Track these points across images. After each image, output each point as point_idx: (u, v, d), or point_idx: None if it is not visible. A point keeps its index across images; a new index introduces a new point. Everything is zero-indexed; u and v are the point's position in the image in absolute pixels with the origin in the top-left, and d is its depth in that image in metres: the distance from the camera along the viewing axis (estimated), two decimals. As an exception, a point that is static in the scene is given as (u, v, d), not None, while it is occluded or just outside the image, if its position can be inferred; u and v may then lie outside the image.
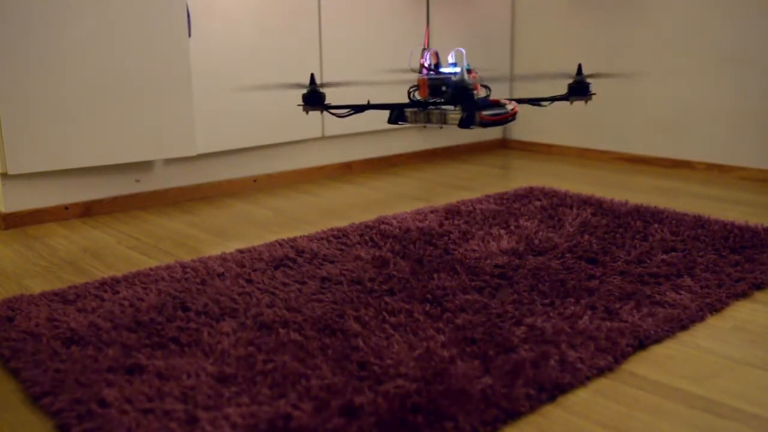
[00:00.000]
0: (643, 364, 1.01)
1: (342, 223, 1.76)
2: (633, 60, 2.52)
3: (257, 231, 1.72)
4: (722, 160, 2.34)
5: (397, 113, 1.21)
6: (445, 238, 1.56)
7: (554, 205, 1.83)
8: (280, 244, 1.53)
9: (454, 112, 1.26)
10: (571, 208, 1.80)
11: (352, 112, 1.37)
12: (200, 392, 0.90)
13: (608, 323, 1.10)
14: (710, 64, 2.33)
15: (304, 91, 1.38)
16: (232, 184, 2.16)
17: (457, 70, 1.28)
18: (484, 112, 1.23)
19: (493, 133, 2.95)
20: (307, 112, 1.39)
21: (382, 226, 1.65)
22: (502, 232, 1.60)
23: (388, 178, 2.34)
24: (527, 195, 1.95)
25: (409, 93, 1.30)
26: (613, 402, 0.91)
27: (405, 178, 2.33)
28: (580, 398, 0.92)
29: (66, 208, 1.86)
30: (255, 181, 2.20)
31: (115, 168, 1.94)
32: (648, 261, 1.40)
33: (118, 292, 1.26)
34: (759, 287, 1.28)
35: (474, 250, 1.47)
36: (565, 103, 2.75)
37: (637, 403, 0.90)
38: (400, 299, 1.21)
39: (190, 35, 1.95)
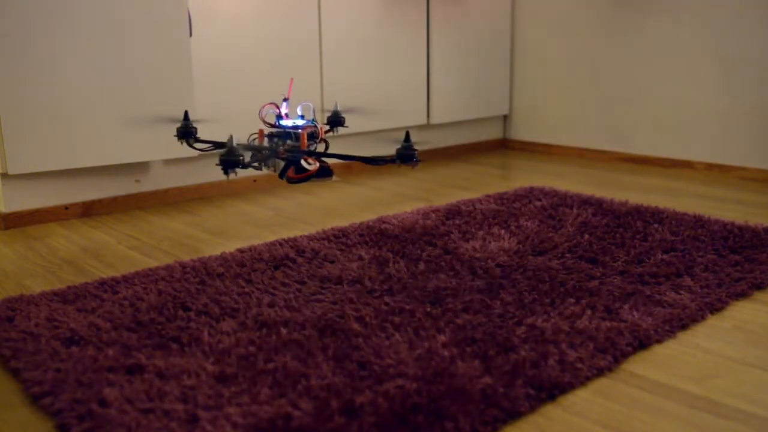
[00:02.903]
0: (643, 364, 1.01)
1: (342, 223, 1.76)
2: (633, 60, 2.52)
3: (257, 231, 1.72)
4: (722, 160, 2.34)
5: (231, 164, 1.31)
6: (446, 238, 1.56)
7: (554, 205, 1.83)
8: (280, 244, 1.53)
9: (280, 163, 1.39)
10: (571, 208, 1.80)
11: (213, 148, 1.51)
12: (200, 392, 0.90)
13: (608, 323, 1.10)
14: (710, 64, 2.33)
15: (178, 125, 1.54)
16: (232, 184, 2.16)
17: (299, 122, 1.42)
18: (294, 170, 1.36)
19: (493, 133, 2.95)
20: (181, 144, 1.55)
21: (383, 226, 1.65)
22: (503, 232, 1.60)
23: (388, 178, 2.34)
24: (527, 195, 1.95)
25: (248, 138, 1.44)
26: (613, 402, 0.91)
27: (405, 178, 2.33)
28: (580, 398, 0.92)
29: (66, 208, 1.86)
30: (255, 181, 2.20)
31: (115, 168, 1.94)
32: (648, 261, 1.40)
33: (118, 292, 1.26)
34: (759, 287, 1.28)
35: (474, 250, 1.47)
36: (566, 103, 2.75)
37: (637, 403, 0.90)
38: (400, 299, 1.21)
39: (191, 35, 1.95)
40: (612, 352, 1.01)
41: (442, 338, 1.05)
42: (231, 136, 1.28)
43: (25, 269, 1.46)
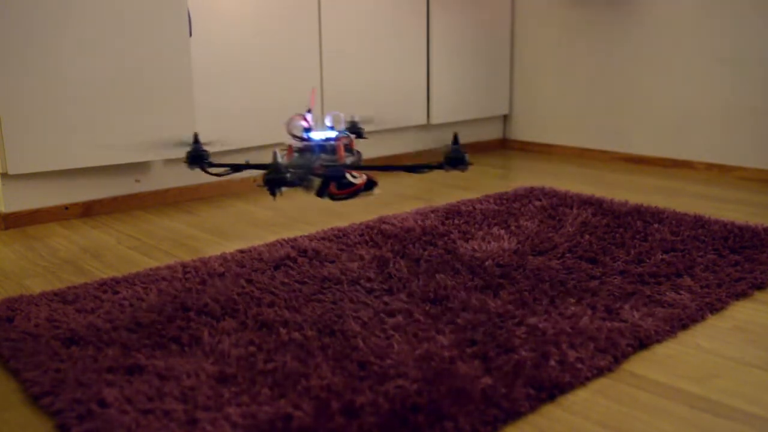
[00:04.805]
0: (643, 364, 1.01)
1: (342, 223, 1.76)
2: (633, 60, 2.52)
3: (257, 231, 1.72)
4: (722, 160, 2.34)
5: (276, 182, 1.20)
6: (446, 238, 1.56)
7: (554, 205, 1.83)
8: (281, 244, 1.53)
9: (316, 180, 1.28)
10: (571, 208, 1.80)
11: (230, 171, 1.41)
12: (200, 392, 0.90)
13: (608, 323, 1.10)
14: (710, 64, 2.33)
15: (188, 149, 1.43)
16: (232, 184, 2.16)
17: (330, 134, 1.31)
18: (336, 185, 1.25)
19: (493, 133, 2.95)
20: (192, 169, 1.45)
21: (383, 226, 1.65)
22: (503, 232, 1.60)
23: (388, 178, 2.34)
24: (527, 195, 1.95)
25: (275, 155, 1.28)
26: (613, 402, 0.91)
27: (405, 178, 2.33)
28: (580, 398, 0.92)
29: (66, 208, 1.86)
30: (255, 181, 2.20)
31: (115, 168, 1.94)
32: (648, 261, 1.40)
33: (118, 293, 1.26)
34: (759, 287, 1.28)
35: (474, 250, 1.47)
36: (566, 103, 2.75)
37: (637, 403, 0.90)
38: (400, 299, 1.21)
39: (190, 35, 1.95)
40: (612, 352, 1.01)
41: (442, 338, 1.05)
42: (275, 152, 1.20)
43: (25, 269, 1.46)
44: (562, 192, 1.98)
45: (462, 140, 2.82)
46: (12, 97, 1.70)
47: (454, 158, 1.23)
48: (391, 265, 1.39)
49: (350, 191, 1.26)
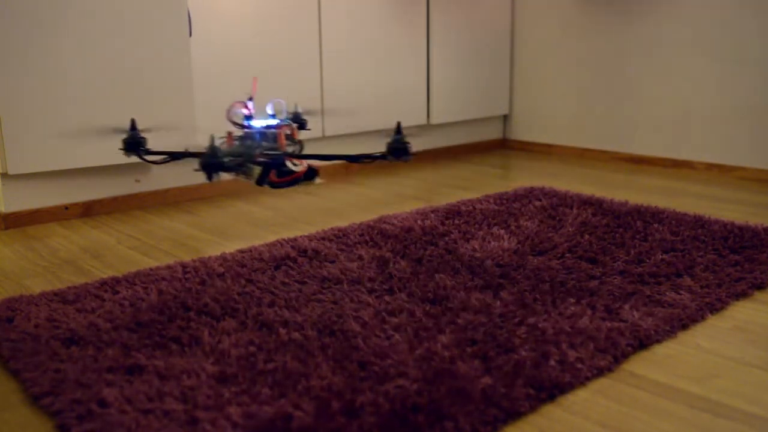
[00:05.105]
0: (643, 364, 1.01)
1: (342, 223, 1.76)
2: (633, 60, 2.52)
3: (257, 231, 1.72)
4: (722, 160, 2.34)
5: (213, 166, 1.17)
6: (446, 238, 1.56)
7: (554, 205, 1.83)
8: (281, 244, 1.53)
9: (256, 168, 1.25)
10: (571, 208, 1.80)
11: (168, 159, 1.36)
12: (200, 392, 0.90)
13: (608, 323, 1.10)
14: (710, 64, 2.33)
15: (124, 135, 1.38)
16: (232, 184, 2.16)
17: (271, 122, 1.28)
18: (276, 173, 1.22)
19: (493, 133, 2.95)
20: (128, 156, 1.39)
21: (383, 226, 1.65)
22: (503, 232, 1.60)
23: (388, 178, 2.34)
24: (527, 195, 1.95)
25: (212, 139, 1.25)
26: (613, 402, 0.91)
27: (405, 178, 2.33)
28: (580, 398, 0.92)
29: (66, 208, 1.86)
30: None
31: (115, 168, 1.94)
32: (648, 261, 1.40)
33: (118, 292, 1.26)
34: (759, 287, 1.28)
35: (474, 250, 1.47)
36: (566, 103, 2.75)
37: (637, 403, 0.90)
38: (400, 299, 1.21)
39: (190, 35, 1.95)
40: (612, 352, 1.01)
41: (442, 338, 1.05)
42: (212, 136, 1.17)
43: (25, 269, 1.46)
44: (562, 192, 1.98)
45: (462, 140, 2.82)
46: (12, 97, 1.70)
47: (397, 148, 1.20)
48: (392, 265, 1.39)
49: (290, 179, 1.23)
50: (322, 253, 1.46)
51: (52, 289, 1.29)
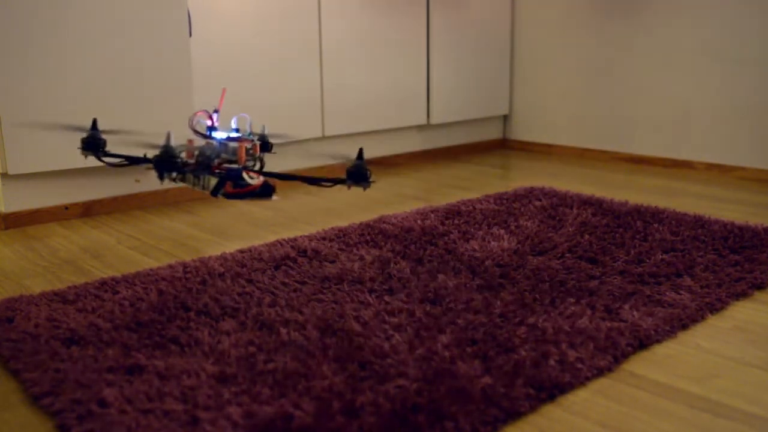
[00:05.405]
0: (643, 364, 1.01)
1: (342, 222, 1.76)
2: (633, 60, 2.52)
3: (257, 231, 1.72)
4: (722, 160, 2.34)
5: (166, 165, 1.15)
6: (446, 237, 1.56)
7: (554, 205, 1.83)
8: (281, 244, 1.53)
9: (212, 178, 1.24)
10: (571, 208, 1.80)
11: (126, 162, 1.34)
12: (200, 392, 0.90)
13: (608, 323, 1.10)
14: (710, 63, 2.33)
15: (84, 135, 1.34)
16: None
17: (234, 135, 1.27)
18: (232, 185, 1.21)
19: (493, 133, 2.95)
20: (85, 157, 1.36)
21: (383, 226, 1.65)
22: (503, 232, 1.60)
23: (388, 178, 2.34)
24: (527, 195, 1.95)
25: (169, 136, 1.24)
26: (613, 402, 0.91)
27: (405, 178, 2.33)
28: (580, 398, 0.92)
29: (66, 208, 1.86)
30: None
31: (115, 168, 1.94)
32: (648, 261, 1.40)
33: (118, 292, 1.26)
34: (759, 287, 1.29)
35: (474, 250, 1.47)
36: (566, 103, 2.75)
37: (637, 403, 0.90)
38: (400, 299, 1.21)
39: (190, 35, 1.95)
40: (612, 352, 1.01)
41: (442, 338, 1.05)
42: (169, 133, 1.15)
43: (25, 269, 1.46)
44: (562, 192, 1.98)
45: (462, 140, 2.82)
46: (12, 97, 1.70)
47: (356, 174, 1.17)
48: (392, 265, 1.39)
49: (244, 191, 1.22)
50: (322, 253, 1.46)
51: (52, 289, 1.29)
